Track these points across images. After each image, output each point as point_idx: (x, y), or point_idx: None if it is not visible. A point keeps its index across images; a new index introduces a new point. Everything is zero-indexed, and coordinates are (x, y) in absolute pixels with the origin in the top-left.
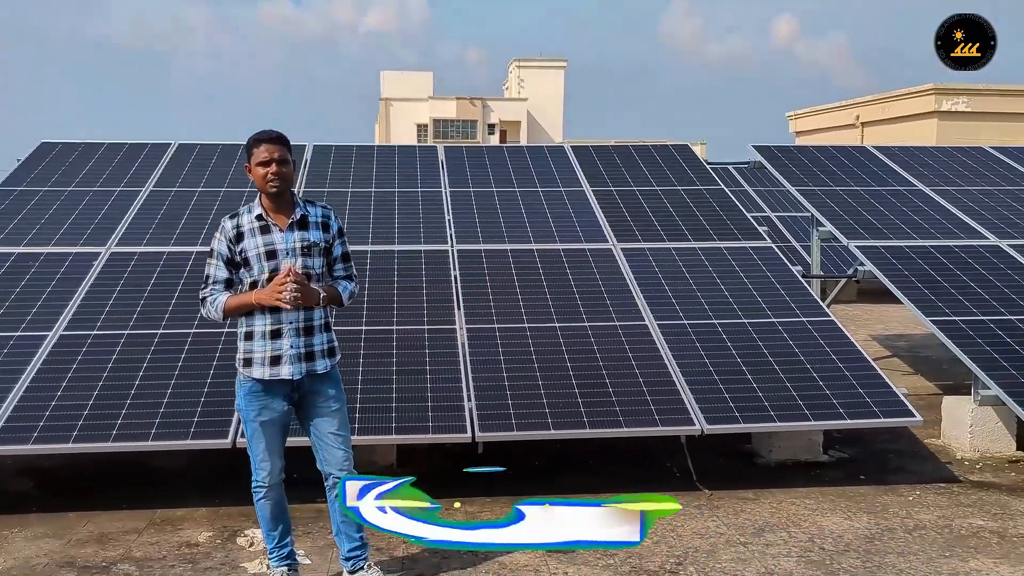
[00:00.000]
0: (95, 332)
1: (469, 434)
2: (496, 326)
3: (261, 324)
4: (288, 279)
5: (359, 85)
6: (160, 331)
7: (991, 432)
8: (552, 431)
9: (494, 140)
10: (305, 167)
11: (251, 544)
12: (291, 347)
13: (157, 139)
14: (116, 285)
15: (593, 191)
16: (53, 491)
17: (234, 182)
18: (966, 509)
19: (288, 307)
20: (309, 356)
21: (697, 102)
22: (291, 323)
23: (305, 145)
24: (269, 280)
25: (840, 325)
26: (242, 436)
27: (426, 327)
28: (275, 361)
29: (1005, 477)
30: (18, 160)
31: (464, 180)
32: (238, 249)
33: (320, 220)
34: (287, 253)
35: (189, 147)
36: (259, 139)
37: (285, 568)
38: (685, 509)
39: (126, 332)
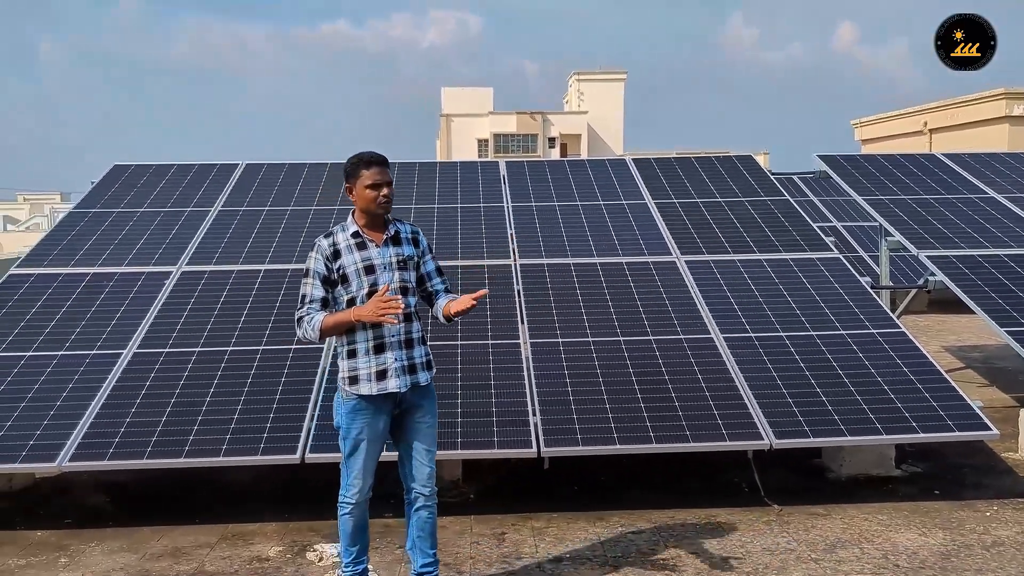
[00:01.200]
0: (167, 350)
1: (534, 449)
2: (560, 340)
3: (364, 340)
4: (395, 297)
5: (420, 101)
6: (230, 348)
7: None
8: (618, 446)
9: (555, 154)
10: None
11: (320, 559)
12: (395, 360)
13: (223, 159)
14: (187, 303)
15: (656, 204)
16: (128, 506)
17: (301, 200)
18: None
19: (394, 323)
20: (411, 369)
21: (760, 111)
22: (393, 336)
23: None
24: (368, 295)
25: (911, 336)
26: (311, 451)
27: (490, 342)
28: (381, 376)
29: None
30: (92, 183)
31: (526, 195)
32: (335, 266)
33: (410, 236)
34: (385, 268)
35: (256, 167)
36: (369, 161)
37: None
38: (754, 525)
39: (197, 349)
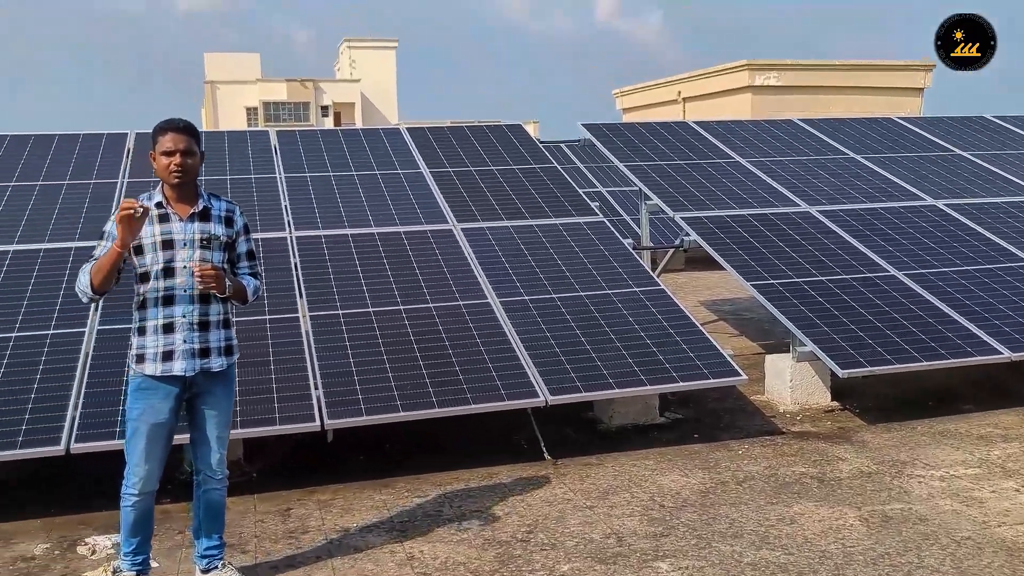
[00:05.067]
0: None
1: (318, 422)
2: (340, 312)
3: (154, 318)
4: (132, 201)
5: (181, 68)
6: None
7: (809, 386)
8: (401, 413)
9: (328, 123)
10: (128, 156)
11: (93, 552)
12: (184, 342)
13: None
14: None
15: (431, 172)
16: None
17: (51, 175)
18: (789, 458)
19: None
20: (204, 352)
21: (529, 82)
22: (184, 317)
23: (127, 133)
24: (163, 272)
25: (670, 293)
26: (77, 441)
27: (268, 316)
28: (167, 356)
29: (822, 426)
30: None
31: (299, 165)
32: None
33: (224, 214)
34: (185, 244)
35: None
36: (165, 128)
37: (135, 573)
38: (534, 479)
39: None
